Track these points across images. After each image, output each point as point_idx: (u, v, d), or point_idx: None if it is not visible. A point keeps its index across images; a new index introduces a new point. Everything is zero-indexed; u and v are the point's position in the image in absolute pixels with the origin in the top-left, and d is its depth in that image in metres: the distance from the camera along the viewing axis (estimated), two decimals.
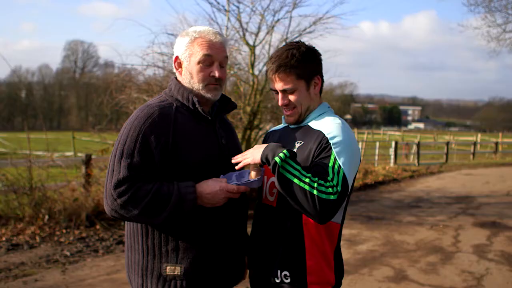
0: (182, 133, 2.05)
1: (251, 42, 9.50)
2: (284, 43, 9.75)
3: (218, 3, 9.36)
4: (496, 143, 27.51)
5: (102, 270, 5.50)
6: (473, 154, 24.51)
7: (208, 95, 2.15)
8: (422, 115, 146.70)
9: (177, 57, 2.17)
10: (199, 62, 2.12)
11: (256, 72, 9.59)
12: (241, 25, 9.40)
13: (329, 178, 1.93)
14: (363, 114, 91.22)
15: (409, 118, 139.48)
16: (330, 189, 1.89)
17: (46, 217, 7.05)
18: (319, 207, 1.87)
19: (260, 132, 10.27)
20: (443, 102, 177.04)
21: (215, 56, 2.14)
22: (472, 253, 6.65)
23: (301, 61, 2.14)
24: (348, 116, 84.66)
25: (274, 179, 2.01)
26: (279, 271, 2.14)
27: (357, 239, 7.31)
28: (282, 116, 2.38)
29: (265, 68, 10.18)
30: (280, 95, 2.18)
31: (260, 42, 9.60)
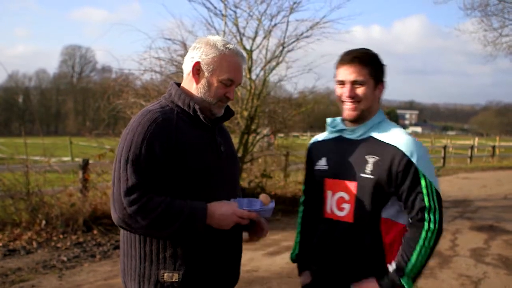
0: (184, 140, 2.04)
1: (248, 47, 9.53)
2: (281, 48, 9.63)
3: (215, 8, 9.41)
4: (493, 147, 27.53)
5: (99, 275, 5.48)
6: (471, 158, 24.53)
7: (216, 111, 2.18)
8: (419, 119, 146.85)
9: (198, 63, 2.13)
10: (221, 81, 2.13)
11: (254, 77, 9.63)
12: (238, 30, 9.45)
13: (426, 216, 2.10)
14: None
15: (407, 122, 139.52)
16: (433, 229, 2.10)
17: (43, 222, 7.03)
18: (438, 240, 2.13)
19: (258, 137, 10.27)
20: (440, 106, 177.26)
21: (236, 81, 2.17)
22: (470, 257, 6.65)
23: (375, 62, 2.22)
24: None
25: (347, 205, 2.21)
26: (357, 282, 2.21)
27: None
28: (328, 121, 2.39)
29: (262, 73, 10.15)
30: (348, 86, 2.19)
31: (257, 47, 9.65)
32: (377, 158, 2.15)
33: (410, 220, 2.14)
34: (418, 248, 2.09)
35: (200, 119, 2.11)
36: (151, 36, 11.68)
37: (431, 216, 2.09)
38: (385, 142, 2.17)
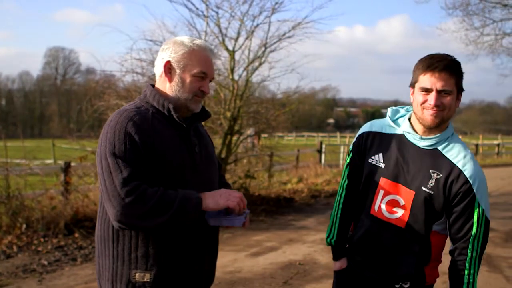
0: (159, 139, 2.04)
1: (230, 47, 9.51)
2: (263, 48, 9.57)
3: (197, 8, 9.37)
4: (476, 145, 27.83)
5: (80, 278, 5.43)
6: None
7: (193, 106, 2.18)
8: None
9: (169, 62, 2.15)
10: (194, 75, 2.14)
11: (236, 77, 9.60)
12: (220, 31, 9.42)
13: (470, 244, 2.17)
14: (346, 118, 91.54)
15: None
16: (475, 256, 2.19)
17: (24, 226, 6.94)
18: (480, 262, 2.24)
19: (241, 137, 10.24)
20: None
21: (209, 74, 2.19)
22: None
23: (460, 71, 2.19)
24: (331, 120, 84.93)
25: (400, 210, 2.26)
26: (401, 282, 2.32)
27: None
28: (390, 112, 2.41)
29: (245, 73, 10.10)
30: (434, 95, 2.14)
31: (240, 47, 9.63)
32: (441, 175, 2.19)
33: (452, 242, 2.25)
34: (466, 279, 2.19)
35: (175, 119, 2.12)
36: (132, 37, 11.63)
37: (475, 243, 2.17)
38: (451, 161, 2.20)
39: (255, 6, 9.77)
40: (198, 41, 2.20)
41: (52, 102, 61.64)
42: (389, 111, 2.43)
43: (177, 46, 2.17)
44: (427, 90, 2.16)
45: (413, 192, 2.22)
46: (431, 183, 2.20)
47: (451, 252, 2.25)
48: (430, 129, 2.23)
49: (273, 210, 9.44)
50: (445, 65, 2.13)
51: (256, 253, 6.55)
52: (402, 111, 2.42)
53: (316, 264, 6.14)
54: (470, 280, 2.18)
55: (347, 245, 2.54)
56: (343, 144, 22.60)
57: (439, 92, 2.14)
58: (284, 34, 9.69)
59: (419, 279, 2.32)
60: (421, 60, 2.22)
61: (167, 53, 2.17)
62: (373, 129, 2.44)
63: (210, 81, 2.24)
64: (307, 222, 8.82)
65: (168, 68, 2.16)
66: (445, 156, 2.21)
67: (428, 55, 2.22)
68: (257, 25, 9.58)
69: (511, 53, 16.39)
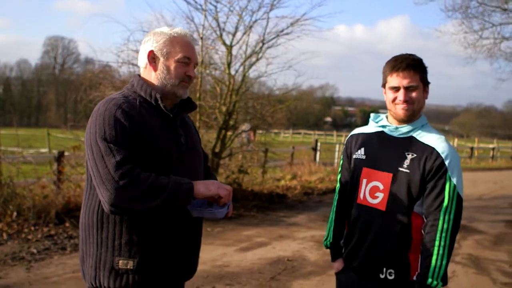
0: (147, 126, 2.07)
1: (228, 42, 9.50)
2: (261, 44, 9.60)
3: (196, 2, 9.34)
4: (472, 148, 27.89)
5: (68, 268, 5.44)
6: None
7: (180, 92, 2.22)
8: None
9: (152, 51, 2.19)
10: (178, 61, 2.18)
11: (233, 72, 9.59)
12: (218, 25, 9.41)
13: (441, 215, 2.28)
14: (344, 117, 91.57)
15: None
16: (447, 228, 2.27)
17: (15, 214, 6.94)
18: (453, 237, 2.31)
19: (236, 132, 10.24)
20: None
21: (192, 59, 2.23)
22: None
23: (423, 67, 2.43)
24: (329, 119, 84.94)
25: (380, 194, 2.42)
26: (384, 269, 2.42)
27: None
28: (372, 116, 2.63)
29: (241, 68, 10.08)
30: (402, 92, 2.38)
31: (237, 42, 9.62)
32: (415, 155, 2.38)
33: (425, 217, 2.35)
34: (435, 250, 2.27)
35: (161, 108, 2.15)
36: (130, 28, 11.58)
37: (446, 216, 2.28)
38: (424, 144, 2.39)
39: (254, 1, 9.80)
40: (177, 29, 2.26)
41: (50, 92, 61.54)
42: (371, 116, 2.66)
43: (158, 36, 2.22)
44: (396, 89, 2.41)
45: (391, 174, 2.41)
46: (407, 162, 2.38)
47: (424, 228, 2.36)
48: (403, 122, 2.46)
49: (265, 206, 9.46)
50: (407, 64, 2.37)
51: (245, 248, 6.57)
52: (382, 115, 2.64)
53: (305, 261, 6.16)
54: (441, 252, 2.26)
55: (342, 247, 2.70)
56: (339, 143, 22.62)
57: (406, 89, 2.38)
58: (282, 31, 9.70)
59: (403, 267, 2.39)
60: (387, 63, 2.46)
61: (149, 44, 2.22)
62: (357, 132, 2.70)
63: (195, 66, 2.28)
64: (298, 219, 8.84)
65: (152, 58, 2.20)
66: (420, 141, 2.41)
67: (392, 58, 2.46)
68: (256, 20, 9.58)
69: (509, 58, 16.40)
